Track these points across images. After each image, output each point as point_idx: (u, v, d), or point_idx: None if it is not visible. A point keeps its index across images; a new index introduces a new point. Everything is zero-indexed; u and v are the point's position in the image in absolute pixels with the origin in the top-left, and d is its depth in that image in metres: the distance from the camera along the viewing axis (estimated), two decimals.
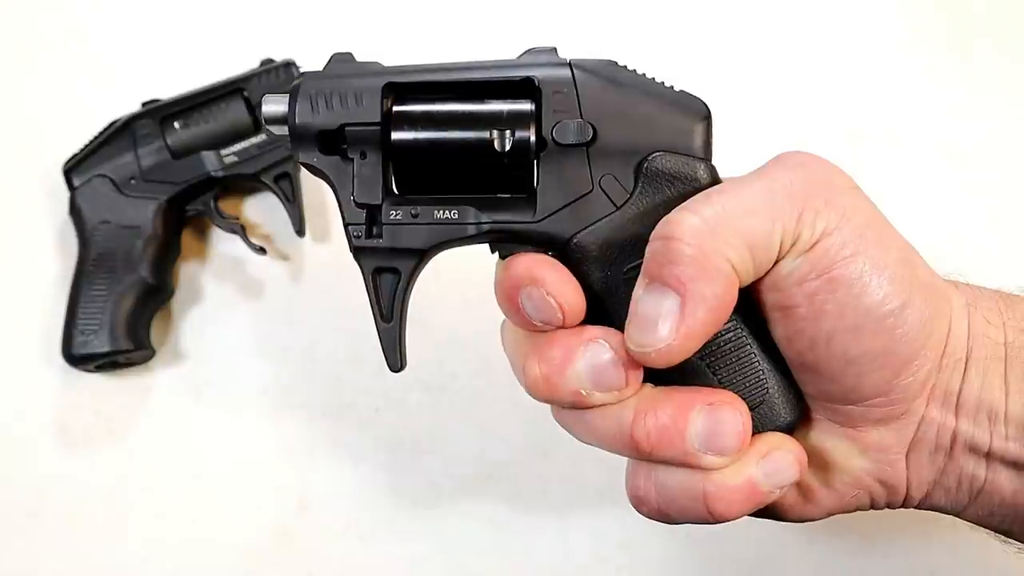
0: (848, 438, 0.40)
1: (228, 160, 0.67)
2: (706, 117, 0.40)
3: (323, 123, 0.41)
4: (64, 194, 0.67)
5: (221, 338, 0.68)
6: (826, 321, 0.37)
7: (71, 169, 0.67)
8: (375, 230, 0.41)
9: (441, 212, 0.41)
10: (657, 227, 0.37)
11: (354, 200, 0.41)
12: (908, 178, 0.69)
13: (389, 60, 0.42)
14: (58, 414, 0.67)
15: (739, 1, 0.73)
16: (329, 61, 0.42)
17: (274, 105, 0.41)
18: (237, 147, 0.67)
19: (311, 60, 0.69)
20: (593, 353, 0.39)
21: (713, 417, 0.37)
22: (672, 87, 0.41)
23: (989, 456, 0.39)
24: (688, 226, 0.36)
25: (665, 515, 0.40)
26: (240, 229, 0.67)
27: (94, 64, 0.73)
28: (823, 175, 0.38)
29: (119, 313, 0.64)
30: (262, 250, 0.68)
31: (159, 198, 0.66)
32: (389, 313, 0.42)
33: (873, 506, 0.41)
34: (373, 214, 0.41)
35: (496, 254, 0.43)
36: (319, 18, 0.73)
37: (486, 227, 0.41)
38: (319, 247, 0.69)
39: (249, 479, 0.66)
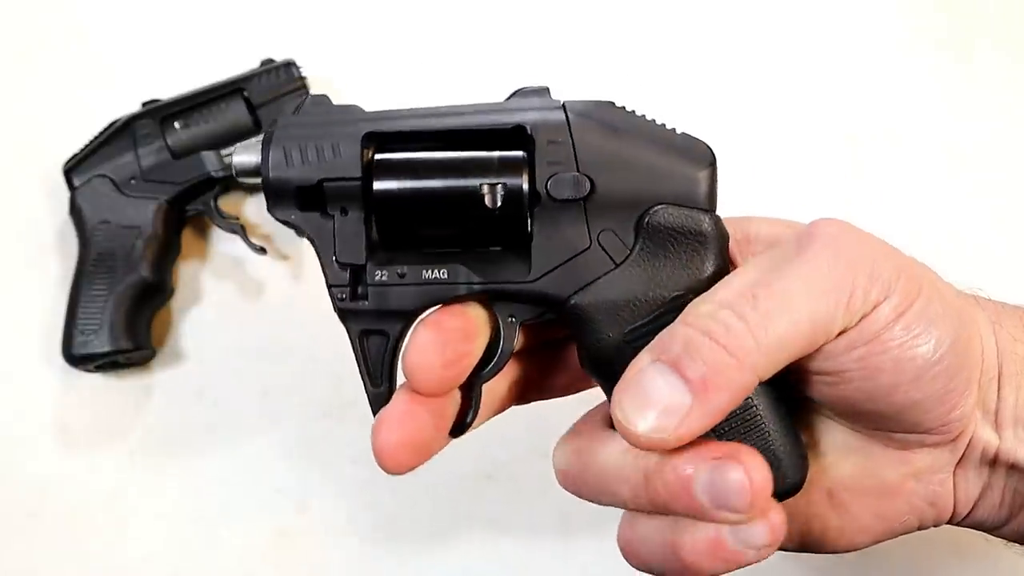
0: (902, 462, 0.39)
1: (228, 160, 0.67)
2: (711, 164, 0.38)
3: (300, 178, 0.38)
4: (64, 194, 0.67)
5: (221, 338, 0.68)
6: (884, 376, 0.35)
7: (71, 169, 0.67)
8: (360, 291, 0.39)
9: (430, 272, 0.38)
10: (692, 310, 0.35)
11: (336, 260, 0.38)
12: (908, 178, 0.69)
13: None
14: (58, 414, 0.67)
15: (739, 2, 0.73)
16: (303, 104, 0.39)
17: (245, 155, 0.39)
18: (237, 147, 0.67)
19: (311, 60, 0.69)
20: (388, 430, 0.38)
21: (718, 474, 0.35)
22: (674, 129, 0.39)
23: None
24: (733, 331, 0.33)
25: (648, 566, 0.38)
26: (240, 229, 0.67)
27: (94, 64, 0.73)
28: (863, 252, 0.36)
29: (119, 313, 0.64)
30: (262, 250, 0.68)
31: (159, 198, 0.66)
32: (378, 377, 0.39)
33: (920, 527, 0.41)
34: (357, 275, 0.39)
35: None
36: (319, 18, 0.73)
37: (478, 288, 0.38)
38: None
39: (249, 479, 0.66)
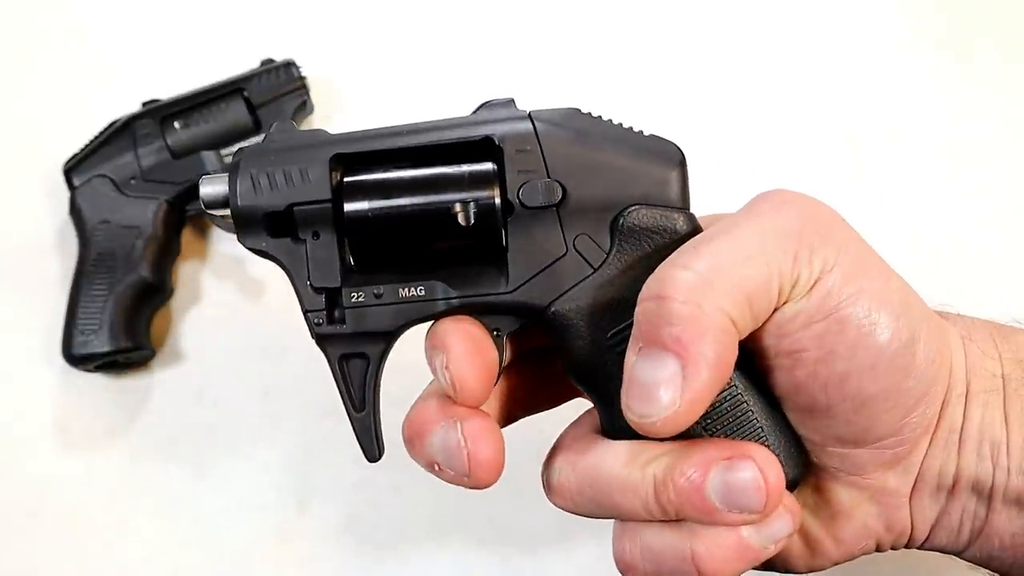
0: (855, 486, 0.38)
1: (228, 160, 0.67)
2: (681, 163, 0.38)
3: (268, 204, 0.37)
4: (64, 194, 0.67)
5: (221, 338, 0.68)
6: (838, 362, 0.35)
7: (71, 169, 0.67)
8: (337, 314, 0.38)
9: (406, 290, 0.38)
10: (646, 286, 0.35)
11: (311, 285, 0.38)
12: (908, 178, 0.69)
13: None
14: (58, 414, 0.67)
15: (740, 2, 0.73)
16: (268, 133, 0.39)
17: (212, 186, 0.38)
18: (237, 147, 0.66)
19: (311, 60, 0.69)
20: (445, 434, 0.38)
21: (731, 474, 0.35)
22: (641, 132, 0.38)
23: (992, 494, 0.38)
24: (680, 282, 0.34)
25: None
26: None
27: (94, 64, 0.73)
28: (811, 210, 0.36)
29: (119, 313, 0.64)
30: None
31: (159, 198, 0.66)
32: (361, 402, 0.40)
33: (878, 549, 0.41)
34: (333, 298, 0.38)
35: None
36: (319, 18, 0.73)
37: (456, 302, 0.38)
38: None
39: (249, 479, 0.66)
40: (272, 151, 0.38)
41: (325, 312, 0.38)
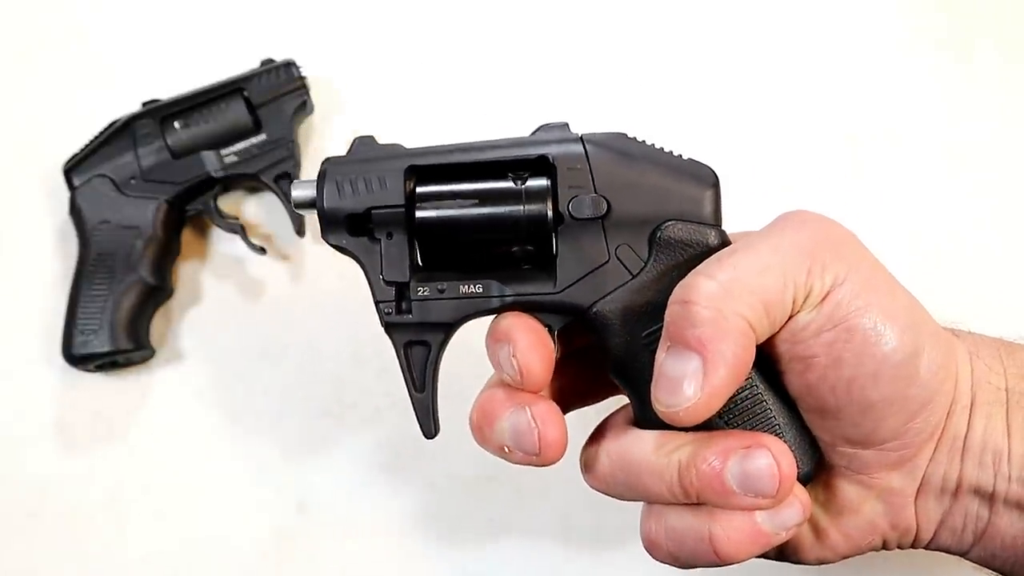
0: (862, 484, 0.41)
1: (228, 160, 0.67)
2: (714, 184, 0.42)
3: (350, 207, 0.42)
4: (64, 194, 0.67)
5: (221, 338, 0.68)
6: (845, 368, 0.38)
7: (71, 169, 0.67)
8: (404, 306, 0.43)
9: (466, 286, 0.42)
10: (674, 292, 0.39)
11: (383, 278, 0.43)
12: (908, 178, 0.69)
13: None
14: (58, 414, 0.67)
15: (740, 2, 0.73)
16: (352, 145, 0.44)
17: (303, 191, 0.43)
18: (237, 147, 0.67)
19: (311, 60, 0.69)
20: (516, 418, 0.41)
21: (748, 462, 0.39)
22: (680, 156, 0.42)
23: (993, 498, 0.41)
24: (704, 289, 0.37)
25: (676, 558, 0.41)
26: (240, 229, 0.67)
27: (94, 64, 0.73)
28: (826, 230, 0.40)
29: (119, 313, 0.64)
30: (262, 250, 0.68)
31: (159, 198, 0.66)
32: (421, 384, 0.44)
33: (885, 547, 0.43)
34: (401, 291, 0.43)
35: None
36: (319, 18, 0.73)
37: (510, 299, 0.42)
38: (319, 247, 0.69)
39: (249, 479, 0.66)
40: (355, 161, 0.43)
41: (394, 303, 0.43)
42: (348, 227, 0.43)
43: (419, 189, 0.42)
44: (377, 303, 0.43)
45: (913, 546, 0.43)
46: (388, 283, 0.43)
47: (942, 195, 0.68)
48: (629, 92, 0.70)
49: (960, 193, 0.68)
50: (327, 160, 0.44)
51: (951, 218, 0.68)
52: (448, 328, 0.43)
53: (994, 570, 0.43)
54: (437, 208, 0.42)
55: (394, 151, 0.43)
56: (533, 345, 0.41)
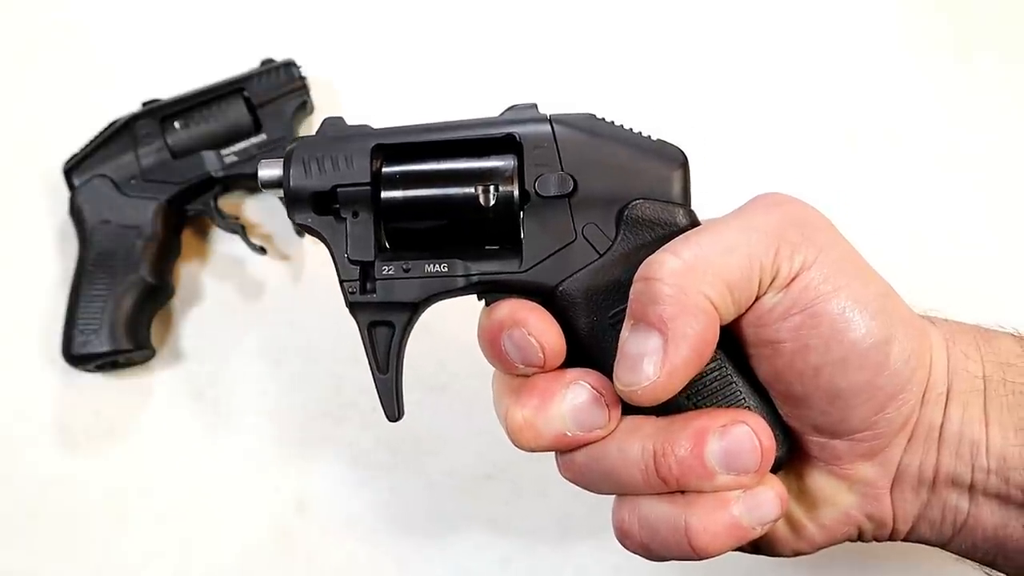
0: (835, 475, 0.40)
1: (228, 160, 0.67)
2: (683, 164, 0.41)
3: (316, 185, 0.42)
4: (64, 194, 0.67)
5: (221, 338, 0.68)
6: (812, 355, 0.37)
7: (71, 169, 0.67)
8: (369, 286, 0.42)
9: (432, 266, 0.42)
10: (639, 269, 0.38)
11: (348, 257, 0.42)
12: (908, 178, 0.69)
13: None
14: (58, 414, 0.67)
15: (740, 2, 0.73)
16: (321, 126, 0.44)
17: (269, 170, 0.43)
18: (237, 147, 0.67)
19: (311, 60, 0.69)
20: (574, 394, 0.40)
21: (729, 438, 0.38)
22: (649, 136, 0.42)
23: (972, 489, 0.39)
24: (668, 266, 0.37)
25: (648, 549, 0.40)
26: (240, 229, 0.67)
27: (94, 64, 0.73)
28: (798, 213, 0.39)
29: (119, 313, 0.64)
30: (262, 250, 0.68)
31: (159, 198, 0.66)
32: (385, 365, 0.43)
33: (861, 538, 0.42)
34: (367, 270, 0.42)
35: (483, 302, 0.43)
36: (319, 18, 0.73)
37: (475, 279, 0.42)
38: (319, 247, 0.68)
39: (249, 479, 0.66)
40: (322, 141, 0.43)
41: (359, 282, 0.42)
42: (313, 205, 0.42)
43: (385, 168, 0.42)
44: (342, 282, 0.43)
45: (891, 538, 0.42)
46: (353, 262, 0.42)
47: (942, 195, 0.68)
48: (629, 92, 0.71)
49: (960, 193, 0.68)
50: (295, 139, 0.43)
51: (951, 218, 0.68)
52: (414, 308, 0.42)
53: (975, 561, 0.42)
54: (403, 187, 0.41)
55: (362, 131, 0.43)
56: (543, 320, 0.40)
